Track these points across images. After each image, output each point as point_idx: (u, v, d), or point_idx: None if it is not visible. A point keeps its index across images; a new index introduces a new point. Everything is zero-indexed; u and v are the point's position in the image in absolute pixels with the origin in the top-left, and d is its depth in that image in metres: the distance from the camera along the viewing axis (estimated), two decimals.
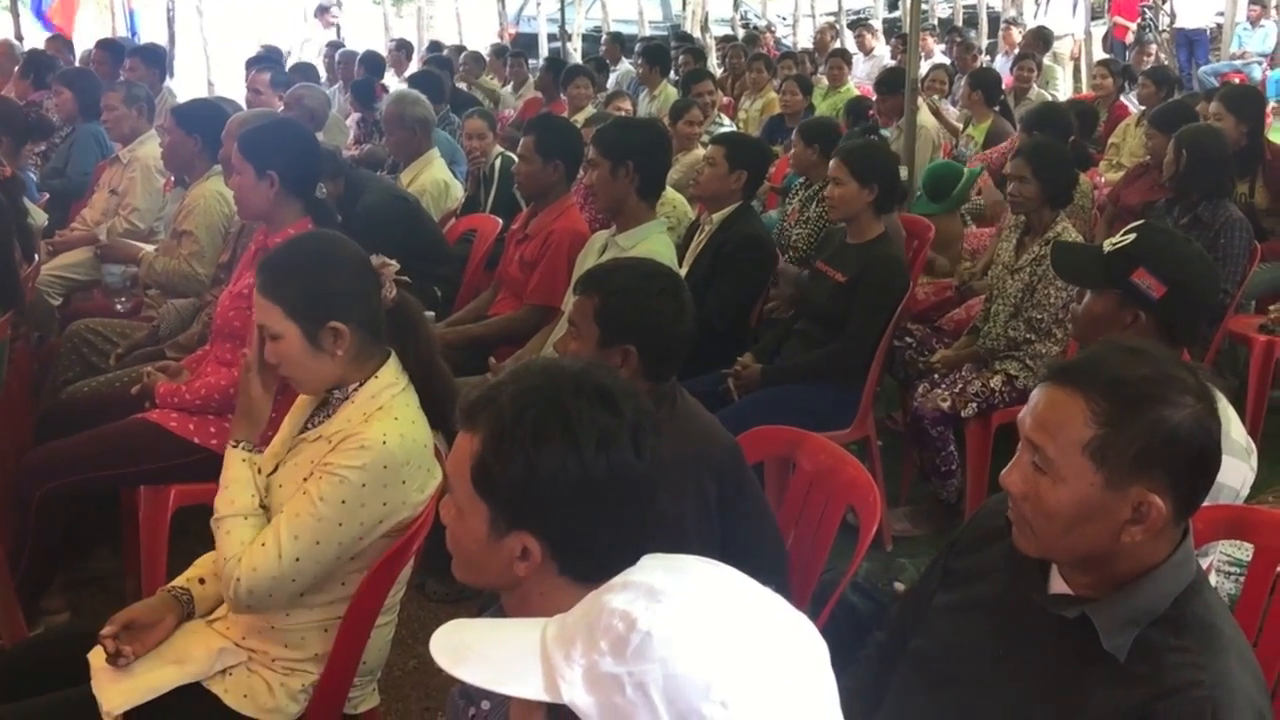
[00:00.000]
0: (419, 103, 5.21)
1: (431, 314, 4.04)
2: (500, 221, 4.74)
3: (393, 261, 2.18)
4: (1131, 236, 2.41)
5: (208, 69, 14.20)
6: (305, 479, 2.05)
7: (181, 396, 3.02)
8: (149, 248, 4.32)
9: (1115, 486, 1.41)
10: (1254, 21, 14.58)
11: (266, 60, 7.70)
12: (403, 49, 11.51)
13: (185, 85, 11.21)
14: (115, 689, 2.01)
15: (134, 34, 13.49)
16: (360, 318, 2.10)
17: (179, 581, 2.22)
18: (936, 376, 3.92)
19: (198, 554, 2.32)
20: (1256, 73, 12.88)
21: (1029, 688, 1.50)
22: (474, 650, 0.94)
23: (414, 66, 10.67)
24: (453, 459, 1.40)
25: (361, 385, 2.11)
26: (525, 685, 0.90)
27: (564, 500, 1.33)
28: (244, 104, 6.02)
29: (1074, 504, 1.43)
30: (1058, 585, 1.55)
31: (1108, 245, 2.43)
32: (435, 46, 11.95)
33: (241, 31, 14.52)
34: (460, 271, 4.67)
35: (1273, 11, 15.08)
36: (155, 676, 2.04)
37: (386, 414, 2.07)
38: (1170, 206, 4.41)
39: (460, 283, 4.63)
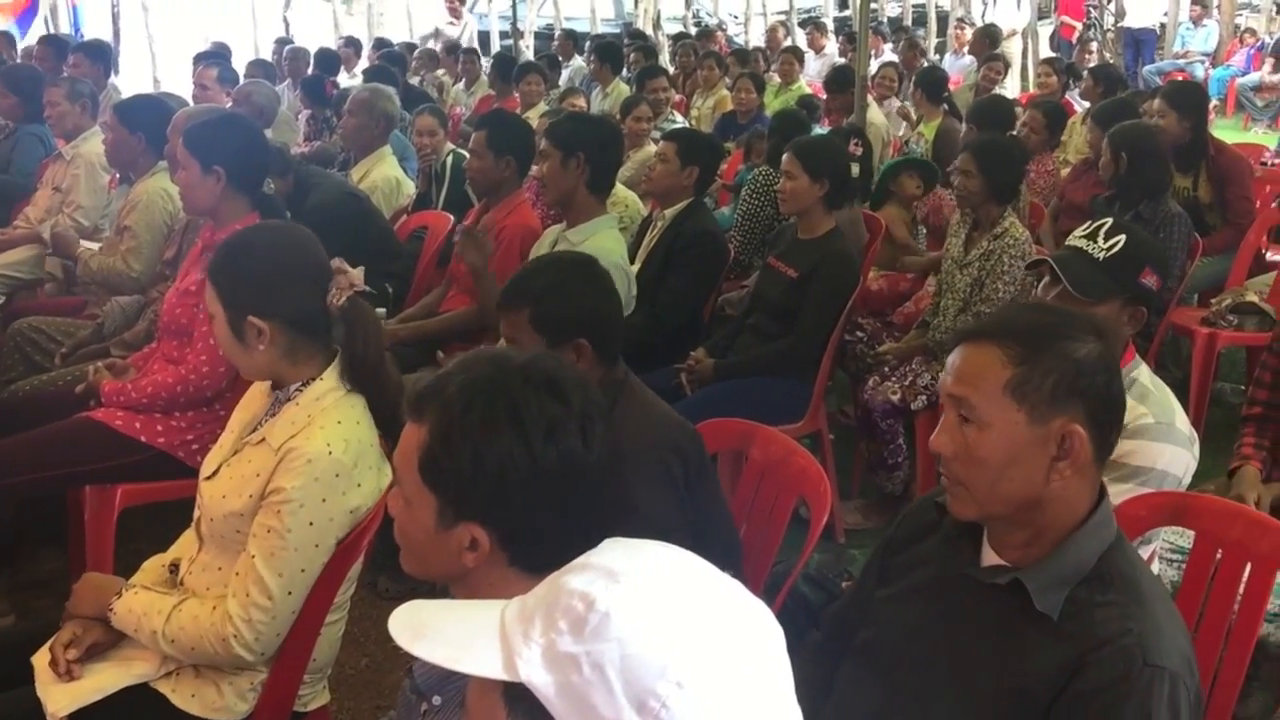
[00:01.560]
0: (391, 99, 5.22)
1: (382, 311, 4.05)
2: (452, 218, 4.71)
3: (353, 270, 2.14)
4: (1123, 238, 2.42)
5: (153, 65, 13.99)
6: (256, 497, 2.01)
7: (127, 394, 2.98)
8: (93, 245, 4.26)
9: (1038, 421, 1.49)
10: (1196, 21, 14.87)
11: (214, 56, 7.61)
12: (352, 46, 11.42)
13: (131, 82, 11.03)
14: (60, 691, 1.98)
15: (78, 31, 13.29)
16: (289, 317, 2.08)
17: (129, 584, 2.19)
18: (887, 369, 3.96)
19: (145, 554, 2.29)
20: (1199, 71, 13.11)
21: (970, 657, 1.55)
22: (432, 629, 0.94)
23: (364, 64, 10.61)
24: (400, 450, 1.39)
25: (306, 386, 2.09)
26: (483, 664, 0.90)
27: (512, 491, 1.32)
28: (190, 100, 5.95)
29: (1003, 446, 1.50)
30: (990, 558, 1.60)
31: (1096, 251, 2.42)
32: (382, 43, 11.85)
33: (190, 28, 14.33)
34: (411, 268, 4.64)
35: (1214, 11, 15.37)
36: (101, 678, 2.02)
37: (329, 417, 2.05)
38: (1111, 203, 4.47)
39: (412, 280, 4.60)
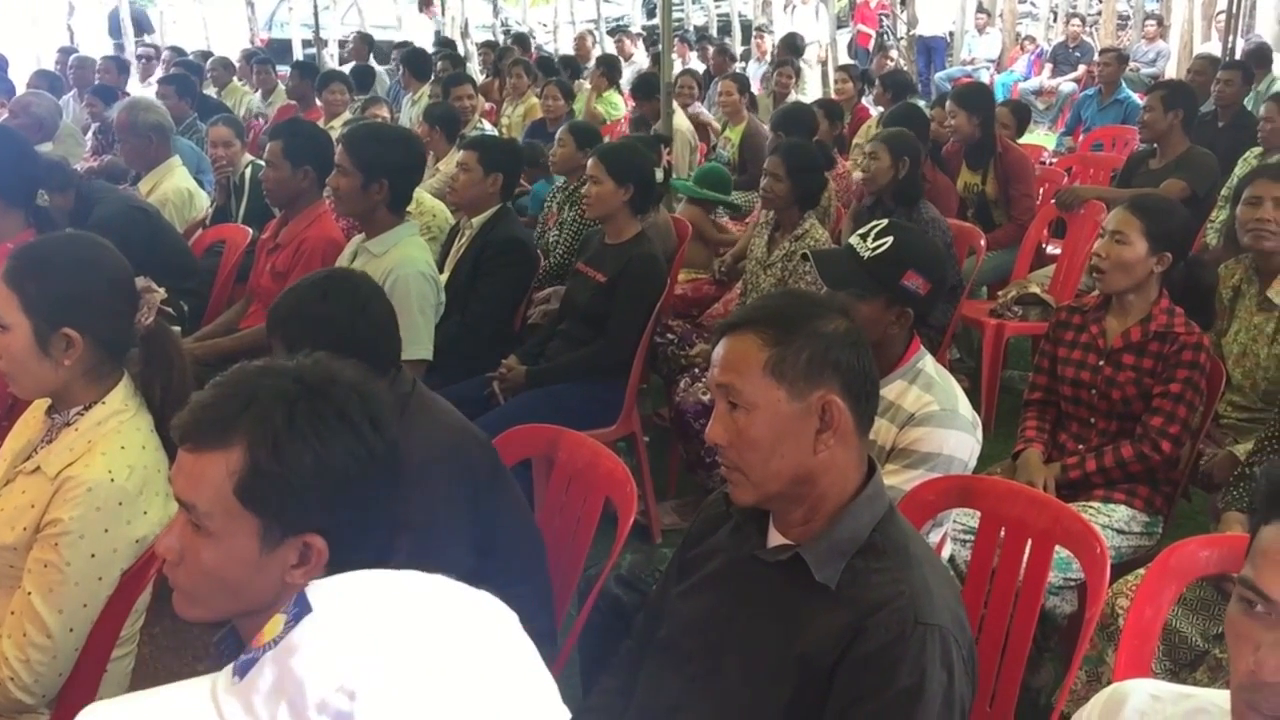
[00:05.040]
0: (151, 108, 4.94)
1: (176, 329, 3.88)
2: (250, 231, 4.55)
3: (160, 289, 2.06)
4: (889, 240, 2.49)
5: None
6: (30, 530, 1.90)
7: None
8: None
9: (798, 396, 1.58)
10: (981, 29, 15.70)
11: None
12: (150, 53, 10.91)
13: None
14: None
15: None
16: (101, 333, 1.98)
17: None
18: (698, 370, 4.02)
19: None
20: (985, 77, 13.82)
21: (757, 635, 1.61)
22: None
23: (160, 72, 10.17)
24: (196, 487, 1.30)
25: (87, 410, 1.99)
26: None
27: (355, 486, 1.31)
28: None
29: (771, 425, 1.58)
30: (775, 539, 1.67)
31: (864, 250, 2.50)
32: (179, 52, 11.38)
33: None
34: (209, 285, 4.46)
35: (997, 20, 16.26)
36: None
37: (111, 442, 1.95)
38: (873, 210, 4.59)
39: (209, 296, 4.43)
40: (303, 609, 0.87)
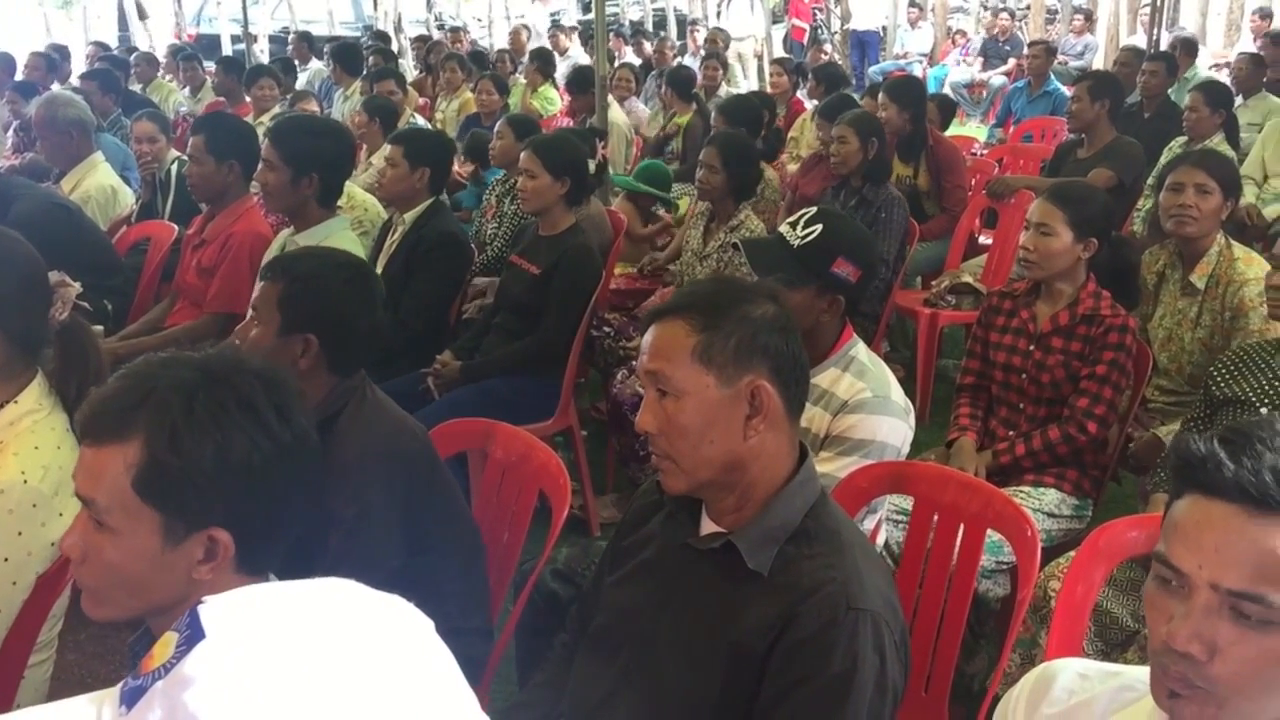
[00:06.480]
0: (72, 104, 4.82)
1: (99, 328, 3.78)
2: (176, 228, 4.46)
3: (75, 284, 2.02)
4: (819, 227, 2.48)
5: None
6: None
7: None
8: None
9: (727, 382, 1.57)
10: (913, 23, 15.87)
11: None
12: (60, 54, 10.63)
13: None
14: None
15: None
16: (13, 330, 1.92)
17: None
18: (634, 363, 4.00)
19: None
20: (917, 71, 13.96)
21: (690, 623, 1.60)
22: None
23: (79, 68, 9.94)
24: (95, 480, 1.28)
25: None
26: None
27: (258, 479, 1.28)
28: None
29: (700, 411, 1.57)
30: (708, 527, 1.66)
31: (793, 238, 2.50)
32: (103, 47, 11.12)
33: None
34: (133, 283, 4.37)
35: (929, 14, 16.45)
36: None
37: (25, 442, 1.89)
38: (838, 192, 4.71)
39: (134, 295, 4.33)
40: (196, 633, 0.80)
